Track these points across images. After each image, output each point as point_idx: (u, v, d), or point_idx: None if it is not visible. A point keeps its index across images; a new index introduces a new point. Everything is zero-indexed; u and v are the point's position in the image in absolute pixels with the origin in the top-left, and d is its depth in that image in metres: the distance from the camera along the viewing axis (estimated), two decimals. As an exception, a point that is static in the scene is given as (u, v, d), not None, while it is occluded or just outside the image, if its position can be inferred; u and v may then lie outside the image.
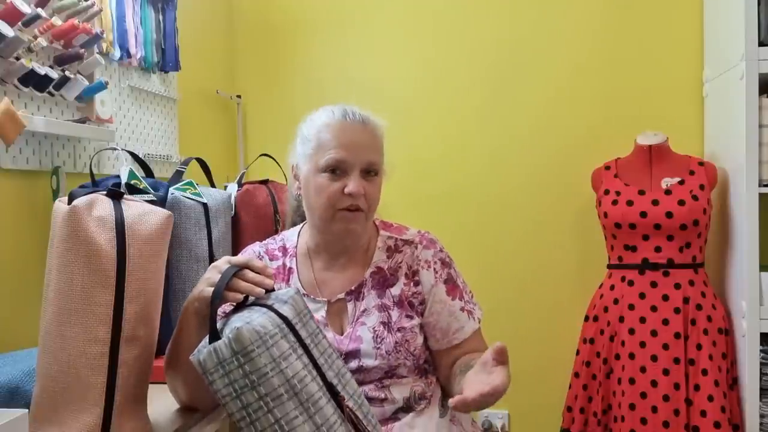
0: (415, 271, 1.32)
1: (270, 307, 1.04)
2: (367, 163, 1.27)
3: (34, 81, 1.49)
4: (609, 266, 2.22)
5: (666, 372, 2.02)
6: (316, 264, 1.36)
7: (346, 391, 1.06)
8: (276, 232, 1.91)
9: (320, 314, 1.31)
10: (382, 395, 1.26)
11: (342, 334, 1.29)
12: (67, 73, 1.57)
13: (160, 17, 2.05)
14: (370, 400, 1.23)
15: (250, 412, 0.98)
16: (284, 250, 1.39)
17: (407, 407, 1.27)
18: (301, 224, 1.43)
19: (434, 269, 1.32)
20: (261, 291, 1.09)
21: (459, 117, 2.57)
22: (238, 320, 1.00)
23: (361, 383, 1.23)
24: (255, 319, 1.00)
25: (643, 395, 2.03)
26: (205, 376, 1.00)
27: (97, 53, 1.69)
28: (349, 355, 1.27)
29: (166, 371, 1.21)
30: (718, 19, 2.25)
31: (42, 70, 1.48)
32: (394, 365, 1.26)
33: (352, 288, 1.32)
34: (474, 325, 1.34)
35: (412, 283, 1.31)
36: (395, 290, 1.31)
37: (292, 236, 1.41)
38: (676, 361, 2.02)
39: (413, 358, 1.29)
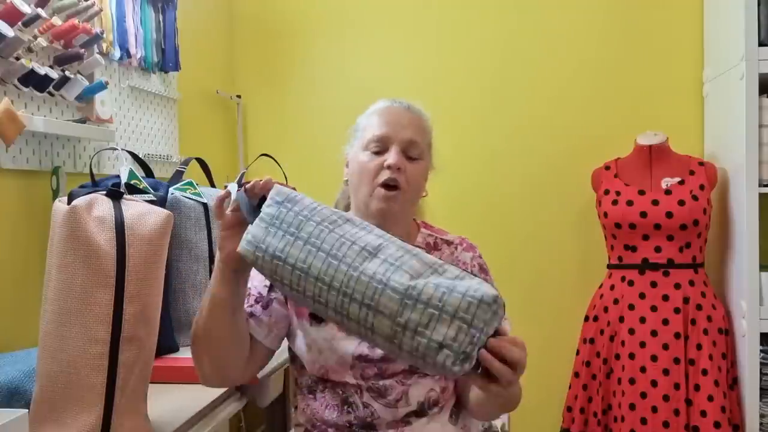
0: None
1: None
2: (407, 140, 1.27)
3: (34, 81, 1.49)
4: (609, 266, 2.22)
5: (666, 372, 2.02)
6: None
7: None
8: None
9: None
10: (399, 395, 1.23)
11: None
12: (67, 73, 1.57)
13: (160, 17, 2.05)
14: (386, 396, 1.21)
15: (313, 240, 0.97)
16: None
17: (420, 412, 1.25)
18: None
19: (471, 272, 1.30)
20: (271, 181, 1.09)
21: (459, 117, 2.57)
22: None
23: (383, 375, 1.21)
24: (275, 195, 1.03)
25: (643, 395, 2.03)
26: (257, 249, 1.00)
27: (97, 53, 1.69)
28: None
29: (193, 344, 1.17)
30: (718, 19, 2.26)
31: (42, 70, 1.48)
32: None
33: None
34: None
35: None
36: None
37: None
38: (676, 361, 2.02)
39: None
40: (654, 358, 2.03)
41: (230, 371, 1.19)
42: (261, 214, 1.02)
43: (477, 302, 0.90)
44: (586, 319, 2.24)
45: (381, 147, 1.27)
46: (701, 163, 2.16)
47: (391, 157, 1.25)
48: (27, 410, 0.91)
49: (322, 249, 0.97)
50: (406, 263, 0.94)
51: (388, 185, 1.24)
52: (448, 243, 1.35)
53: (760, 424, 1.97)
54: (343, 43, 2.66)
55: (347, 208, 1.41)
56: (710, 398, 1.97)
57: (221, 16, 2.65)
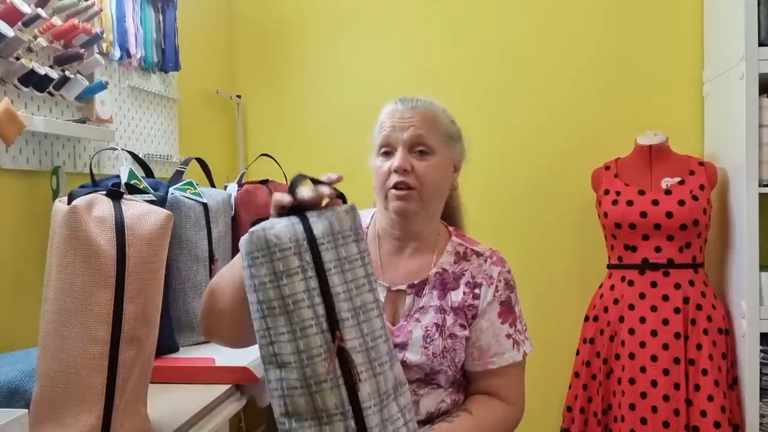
0: (477, 283, 1.29)
1: (305, 218, 0.99)
2: (410, 139, 1.26)
3: (34, 81, 1.49)
4: (609, 266, 2.22)
5: (666, 372, 2.02)
6: (383, 248, 1.34)
7: (360, 329, 0.98)
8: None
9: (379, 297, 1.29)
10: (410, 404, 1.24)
11: (394, 325, 1.28)
12: (67, 73, 1.57)
13: (160, 17, 2.04)
14: None
15: (253, 310, 0.98)
16: None
17: (427, 421, 1.25)
18: (375, 209, 1.42)
19: (496, 287, 1.30)
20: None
21: (458, 118, 2.56)
22: (268, 222, 0.99)
23: None
24: (277, 227, 0.97)
25: (643, 395, 2.03)
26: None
27: (97, 53, 1.69)
28: (395, 347, 1.24)
29: (213, 305, 1.15)
30: (718, 19, 2.26)
31: (42, 70, 1.48)
32: (437, 370, 1.24)
33: (415, 282, 1.30)
34: (516, 356, 1.28)
35: (471, 295, 1.29)
36: (456, 296, 1.29)
37: (365, 217, 1.40)
38: (676, 361, 2.02)
39: (455, 368, 1.27)
40: (654, 358, 2.03)
41: (247, 337, 1.13)
42: (242, 239, 1.00)
43: None
44: (586, 319, 2.24)
45: (389, 150, 1.28)
46: (701, 163, 2.16)
47: (396, 160, 1.25)
48: (27, 410, 0.91)
49: (254, 322, 0.98)
50: (291, 398, 0.95)
51: (398, 187, 1.25)
52: (478, 254, 1.34)
53: (760, 424, 1.97)
54: (343, 43, 2.65)
55: None
56: (710, 398, 1.97)
57: (221, 16, 2.65)
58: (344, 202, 1.06)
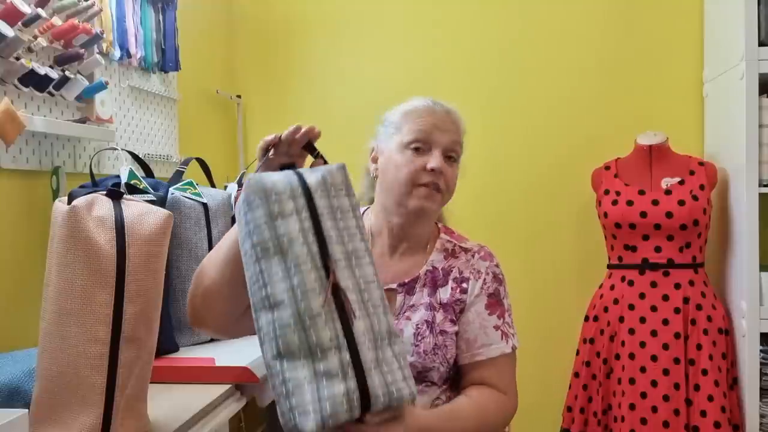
0: (465, 278, 1.31)
1: (299, 173, 1.02)
2: (450, 143, 1.29)
3: (34, 81, 1.49)
4: (609, 266, 2.22)
5: (666, 372, 2.02)
6: (375, 248, 1.35)
7: (352, 271, 0.98)
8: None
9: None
10: None
11: None
12: (67, 73, 1.57)
13: (160, 17, 2.04)
14: None
15: (246, 260, 0.99)
16: None
17: None
18: (367, 207, 1.41)
19: (483, 280, 1.31)
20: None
21: (459, 117, 2.56)
22: (264, 174, 1.02)
23: None
24: (273, 176, 1.00)
25: (643, 395, 2.03)
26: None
27: (97, 53, 1.69)
28: None
29: (201, 287, 1.17)
30: (718, 19, 2.26)
31: (42, 70, 1.48)
32: (429, 367, 1.25)
33: (406, 281, 1.30)
34: (504, 348, 1.29)
35: (459, 290, 1.30)
36: (444, 293, 1.30)
37: None
38: (676, 361, 2.02)
39: (447, 364, 1.27)
40: (654, 358, 2.03)
41: (232, 324, 1.18)
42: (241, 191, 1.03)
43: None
44: (586, 319, 2.24)
45: (423, 148, 1.28)
46: (701, 163, 2.16)
47: (435, 160, 1.26)
48: (27, 410, 0.91)
49: (246, 274, 0.99)
50: (284, 337, 0.93)
51: (429, 187, 1.26)
52: (466, 250, 1.34)
53: (760, 424, 1.97)
54: (343, 43, 2.66)
55: (371, 201, 1.40)
56: (710, 398, 1.97)
57: (221, 16, 2.65)
58: (324, 162, 1.11)
